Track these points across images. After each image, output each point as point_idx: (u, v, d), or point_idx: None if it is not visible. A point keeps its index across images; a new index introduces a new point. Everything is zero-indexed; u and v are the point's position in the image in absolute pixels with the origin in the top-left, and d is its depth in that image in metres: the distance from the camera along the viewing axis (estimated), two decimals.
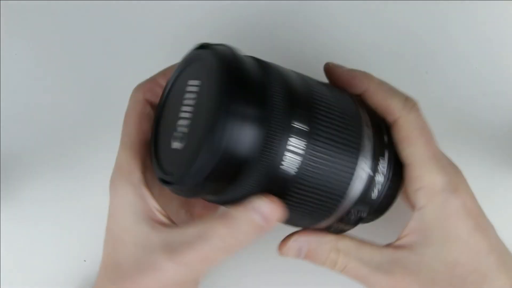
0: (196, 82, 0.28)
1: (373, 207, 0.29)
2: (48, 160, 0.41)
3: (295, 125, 0.26)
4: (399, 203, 0.31)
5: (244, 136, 0.25)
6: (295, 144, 0.26)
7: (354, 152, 0.28)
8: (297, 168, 0.26)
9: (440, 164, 0.30)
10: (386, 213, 0.31)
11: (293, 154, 0.26)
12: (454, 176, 0.30)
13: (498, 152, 0.41)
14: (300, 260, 0.31)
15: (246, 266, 0.39)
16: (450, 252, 0.29)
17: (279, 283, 0.39)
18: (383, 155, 0.29)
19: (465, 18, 0.43)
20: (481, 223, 0.30)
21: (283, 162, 0.26)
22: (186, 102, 0.28)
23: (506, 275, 0.29)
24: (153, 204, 0.29)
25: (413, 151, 0.30)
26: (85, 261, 0.39)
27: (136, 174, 0.30)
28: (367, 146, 0.28)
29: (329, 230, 0.30)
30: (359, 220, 0.30)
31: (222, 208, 0.30)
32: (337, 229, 0.30)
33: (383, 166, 0.29)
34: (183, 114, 0.28)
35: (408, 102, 0.30)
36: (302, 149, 0.26)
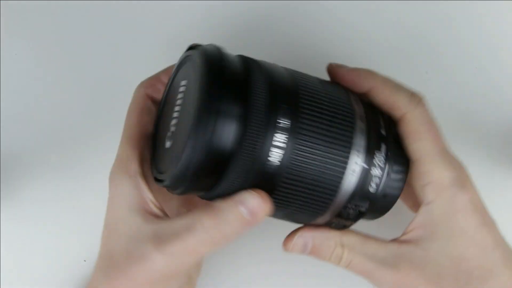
0: (184, 82, 0.29)
1: (374, 202, 0.29)
2: (48, 160, 0.41)
3: (279, 121, 0.26)
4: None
5: (226, 133, 0.26)
6: (280, 139, 0.26)
7: (345, 145, 0.28)
8: (284, 162, 0.27)
9: (448, 159, 0.30)
10: (392, 209, 0.31)
11: (278, 149, 0.27)
12: (460, 171, 0.30)
13: (498, 152, 0.41)
14: (299, 261, 0.31)
15: (246, 265, 0.39)
16: (456, 246, 0.29)
17: (280, 282, 0.39)
18: (379, 148, 0.29)
19: (465, 18, 0.43)
20: (487, 219, 0.30)
21: (269, 158, 0.26)
22: (177, 102, 0.29)
23: (511, 271, 0.30)
24: (147, 195, 0.30)
25: (420, 146, 0.30)
26: (85, 261, 0.39)
27: (133, 165, 0.30)
28: (360, 139, 0.28)
29: (330, 226, 0.30)
30: (359, 215, 0.30)
31: None
32: (338, 225, 0.30)
33: (379, 159, 0.29)
34: (174, 114, 0.29)
35: (415, 97, 0.30)
36: (287, 144, 0.27)
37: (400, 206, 0.36)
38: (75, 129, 0.41)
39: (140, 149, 0.31)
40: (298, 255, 0.31)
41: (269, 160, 0.27)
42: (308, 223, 0.30)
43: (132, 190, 0.29)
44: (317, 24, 0.42)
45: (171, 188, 0.28)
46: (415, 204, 0.35)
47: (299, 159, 0.27)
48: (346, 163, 0.28)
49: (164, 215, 0.30)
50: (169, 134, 0.29)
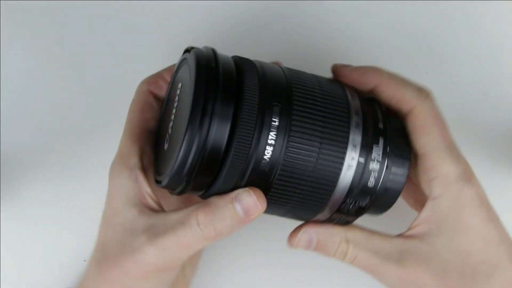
0: (180, 85, 0.29)
1: (375, 197, 0.29)
2: (48, 160, 0.41)
3: (272, 119, 0.27)
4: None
5: (219, 134, 0.26)
6: (274, 137, 0.27)
7: (340, 140, 0.28)
8: (280, 160, 0.27)
9: (455, 154, 0.30)
10: (397, 204, 0.31)
11: (273, 147, 0.27)
12: (466, 166, 0.30)
13: (498, 152, 0.41)
14: (301, 261, 0.31)
15: (245, 266, 0.39)
16: (463, 241, 0.29)
17: (280, 282, 0.39)
18: (377, 143, 0.29)
19: (465, 18, 0.43)
20: (492, 214, 0.30)
21: (264, 156, 0.27)
22: (174, 105, 0.30)
23: None
24: (145, 189, 0.30)
25: (428, 140, 0.30)
26: (85, 261, 0.39)
27: (133, 158, 0.30)
28: (356, 134, 0.28)
29: (333, 222, 0.30)
30: (360, 210, 0.30)
31: None
32: (341, 221, 0.30)
33: (377, 153, 0.29)
34: (172, 117, 0.29)
35: (423, 91, 0.31)
36: (282, 142, 0.27)
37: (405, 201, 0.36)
38: (75, 129, 0.41)
39: (141, 144, 0.31)
40: (302, 251, 0.31)
41: (264, 159, 0.27)
42: (309, 219, 0.30)
43: (131, 183, 0.30)
44: (317, 24, 0.42)
45: (170, 188, 0.29)
46: (417, 201, 0.35)
47: (294, 157, 0.27)
48: (342, 158, 0.28)
49: (160, 209, 0.30)
50: (167, 136, 0.30)
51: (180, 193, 0.29)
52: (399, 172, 0.30)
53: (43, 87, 0.42)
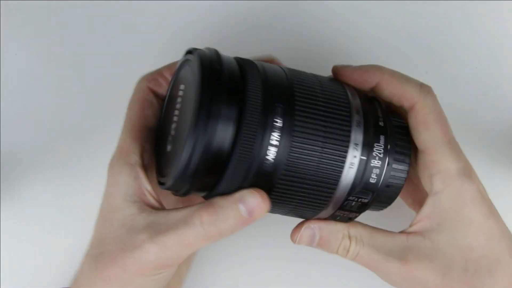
0: (182, 87, 0.29)
1: (377, 193, 0.29)
2: (48, 160, 0.41)
3: (274, 120, 0.27)
4: None
5: (223, 134, 0.26)
6: (277, 138, 0.27)
7: (342, 139, 0.28)
8: (283, 161, 0.27)
9: (455, 150, 0.30)
10: (396, 202, 0.31)
11: (276, 148, 0.27)
12: (466, 162, 0.31)
13: (498, 152, 0.41)
14: (303, 256, 0.31)
15: (246, 260, 0.39)
16: (465, 236, 0.29)
17: (281, 277, 0.39)
18: (378, 141, 0.29)
19: (465, 18, 0.43)
20: (493, 209, 0.30)
21: (267, 157, 0.27)
22: (177, 106, 0.30)
23: None
24: (146, 186, 0.30)
25: (430, 136, 0.30)
26: None
27: (133, 155, 0.30)
28: (357, 133, 0.29)
29: (336, 219, 0.31)
30: (363, 207, 0.30)
31: None
32: (343, 218, 0.30)
33: (378, 151, 0.29)
34: (174, 118, 0.29)
35: (424, 87, 0.31)
36: (284, 142, 0.27)
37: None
38: (75, 129, 0.41)
39: (141, 141, 0.31)
40: (304, 247, 0.31)
41: (267, 159, 0.27)
42: (312, 217, 0.31)
43: (131, 180, 0.30)
44: (317, 24, 0.42)
45: (174, 189, 0.29)
46: (415, 201, 0.35)
47: (296, 157, 0.27)
48: (344, 157, 0.28)
49: (161, 207, 0.30)
50: (169, 138, 0.30)
51: (183, 195, 0.29)
52: (400, 168, 0.30)
53: (43, 87, 0.42)
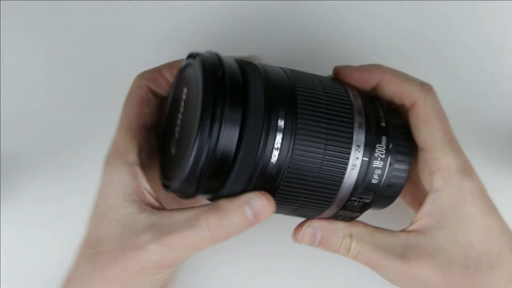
0: (185, 90, 0.30)
1: (379, 193, 0.30)
2: (48, 160, 0.41)
3: (278, 123, 0.27)
4: None
5: (228, 138, 0.27)
6: (280, 140, 0.27)
7: (344, 141, 0.28)
8: (286, 163, 0.27)
9: (456, 148, 0.30)
10: (397, 202, 0.31)
11: (279, 150, 0.27)
12: (466, 160, 0.31)
13: (498, 152, 0.41)
14: (305, 255, 0.31)
15: (246, 259, 0.39)
16: (465, 233, 0.30)
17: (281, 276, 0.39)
18: (380, 142, 0.29)
19: (465, 18, 0.43)
20: (492, 205, 0.31)
21: (271, 159, 0.27)
22: (180, 110, 0.30)
23: None
24: (145, 185, 0.30)
25: (430, 133, 0.30)
26: None
27: (132, 154, 0.30)
28: (360, 134, 0.29)
29: (337, 219, 0.31)
30: (365, 206, 0.30)
31: None
32: (345, 217, 0.31)
33: (380, 151, 0.29)
34: (178, 122, 0.30)
35: (425, 85, 0.31)
36: (288, 145, 0.27)
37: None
38: (75, 129, 0.41)
39: (139, 140, 0.31)
40: (306, 246, 0.31)
41: (271, 162, 0.27)
42: (314, 217, 0.31)
43: (129, 178, 0.29)
44: (317, 24, 0.42)
45: (180, 192, 0.29)
46: (415, 200, 0.35)
47: (299, 159, 0.28)
48: (347, 158, 0.28)
49: (160, 206, 0.30)
50: (173, 141, 0.30)
51: (191, 197, 0.29)
52: (401, 168, 0.30)
53: (43, 87, 0.42)
